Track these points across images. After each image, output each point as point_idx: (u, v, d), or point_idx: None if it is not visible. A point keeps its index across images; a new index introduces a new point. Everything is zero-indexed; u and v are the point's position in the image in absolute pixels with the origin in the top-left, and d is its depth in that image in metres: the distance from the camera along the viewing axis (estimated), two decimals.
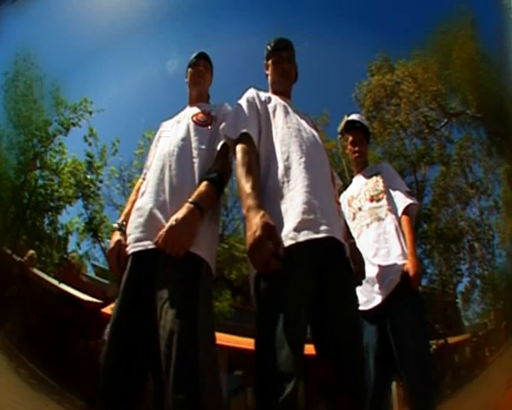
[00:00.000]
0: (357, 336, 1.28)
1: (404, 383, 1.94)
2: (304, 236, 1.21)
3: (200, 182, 1.40)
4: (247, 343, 7.88)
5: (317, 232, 1.23)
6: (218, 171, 1.44)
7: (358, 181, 2.42)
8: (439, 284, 11.50)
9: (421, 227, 11.40)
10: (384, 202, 2.20)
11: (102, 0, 11.73)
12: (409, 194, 2.26)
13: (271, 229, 1.13)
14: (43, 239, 9.97)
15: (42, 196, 10.17)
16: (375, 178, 2.31)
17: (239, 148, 1.38)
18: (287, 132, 1.45)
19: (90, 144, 10.65)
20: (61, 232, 10.49)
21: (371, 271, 2.01)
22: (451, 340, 10.95)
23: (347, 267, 1.36)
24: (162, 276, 1.29)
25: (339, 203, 1.50)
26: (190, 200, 1.32)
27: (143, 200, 1.47)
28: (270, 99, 1.61)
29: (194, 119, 1.65)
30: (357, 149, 2.42)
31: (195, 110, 1.71)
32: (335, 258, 1.30)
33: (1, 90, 9.60)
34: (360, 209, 2.27)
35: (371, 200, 2.24)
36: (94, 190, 10.64)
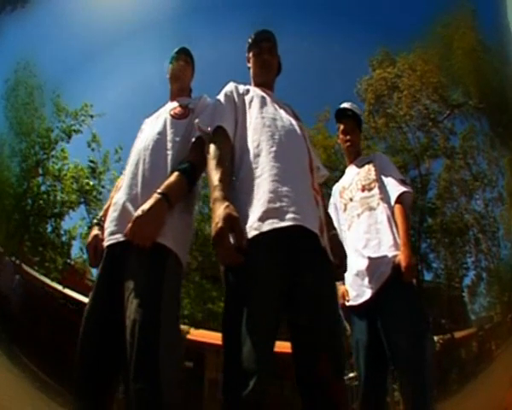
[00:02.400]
0: (333, 330, 1.18)
1: (398, 382, 1.83)
2: (268, 225, 1.15)
3: (172, 173, 1.39)
4: None
5: (283, 220, 1.17)
6: (191, 161, 1.42)
7: (351, 171, 2.32)
8: (444, 279, 11.34)
9: (426, 221, 11.28)
10: (376, 190, 2.09)
11: (100, 4, 11.75)
12: (402, 182, 2.12)
13: (234, 220, 1.08)
14: (46, 245, 10.03)
15: (45, 203, 10.22)
16: (367, 167, 2.21)
17: (212, 141, 1.35)
18: (260, 122, 1.42)
19: (93, 150, 10.69)
20: (64, 238, 10.54)
21: (361, 263, 1.93)
22: (458, 335, 10.80)
23: (322, 258, 1.27)
24: (130, 267, 1.30)
25: (318, 193, 1.42)
26: (158, 190, 1.31)
27: (118, 195, 1.50)
28: (248, 91, 1.58)
29: (172, 113, 1.65)
30: (348, 137, 2.33)
31: (174, 104, 1.72)
32: (306, 248, 1.22)
33: (2, 99, 9.68)
34: (351, 200, 2.17)
35: (363, 189, 2.13)
36: (96, 195, 10.67)
